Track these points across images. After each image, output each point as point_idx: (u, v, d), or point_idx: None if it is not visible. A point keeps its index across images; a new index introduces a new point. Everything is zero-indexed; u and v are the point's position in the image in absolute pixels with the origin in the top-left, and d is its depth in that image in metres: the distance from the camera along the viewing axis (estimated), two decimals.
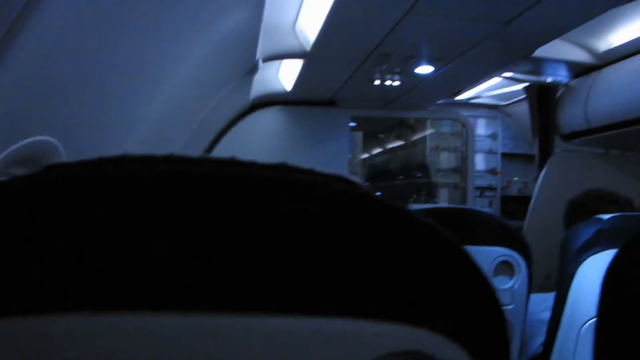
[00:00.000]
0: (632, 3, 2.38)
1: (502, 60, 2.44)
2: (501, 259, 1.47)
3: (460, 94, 3.71)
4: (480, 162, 4.33)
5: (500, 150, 4.43)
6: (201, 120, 2.42)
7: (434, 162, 4.28)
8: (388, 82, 2.62)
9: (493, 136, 4.41)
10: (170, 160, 0.29)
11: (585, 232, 1.28)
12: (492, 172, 4.37)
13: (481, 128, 4.37)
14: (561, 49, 3.01)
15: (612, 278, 0.80)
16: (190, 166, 0.29)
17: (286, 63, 2.87)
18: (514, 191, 4.41)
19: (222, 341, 0.29)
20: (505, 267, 1.49)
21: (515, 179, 4.46)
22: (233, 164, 0.30)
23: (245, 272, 0.30)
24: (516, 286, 1.48)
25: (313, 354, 0.31)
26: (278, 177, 0.30)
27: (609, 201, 1.83)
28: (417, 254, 0.35)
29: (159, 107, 1.59)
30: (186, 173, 0.29)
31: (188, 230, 0.29)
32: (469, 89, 3.72)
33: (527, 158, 4.32)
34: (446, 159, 4.25)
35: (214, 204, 0.29)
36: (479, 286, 0.38)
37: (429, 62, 2.39)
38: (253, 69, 2.33)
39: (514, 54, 2.34)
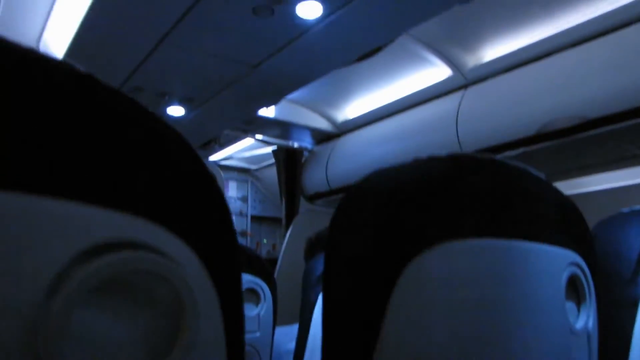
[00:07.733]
0: (363, 80, 2.72)
1: (251, 106, 2.50)
2: (247, 285, 1.46)
3: (213, 151, 3.73)
4: None
5: (250, 212, 4.52)
6: None
7: None
8: None
9: (243, 199, 4.49)
10: None
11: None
12: (242, 234, 4.40)
13: (232, 190, 4.42)
14: (307, 117, 3.27)
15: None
16: None
17: None
18: (263, 253, 4.49)
19: None
20: (252, 295, 1.49)
21: (265, 241, 4.57)
22: None
23: None
24: (262, 313, 1.48)
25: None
26: None
27: None
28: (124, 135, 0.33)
29: None
30: None
31: None
32: (221, 147, 3.76)
33: (275, 220, 4.48)
34: None
35: None
36: (205, 187, 0.38)
37: (180, 103, 2.34)
38: None
39: (265, 99, 2.42)
